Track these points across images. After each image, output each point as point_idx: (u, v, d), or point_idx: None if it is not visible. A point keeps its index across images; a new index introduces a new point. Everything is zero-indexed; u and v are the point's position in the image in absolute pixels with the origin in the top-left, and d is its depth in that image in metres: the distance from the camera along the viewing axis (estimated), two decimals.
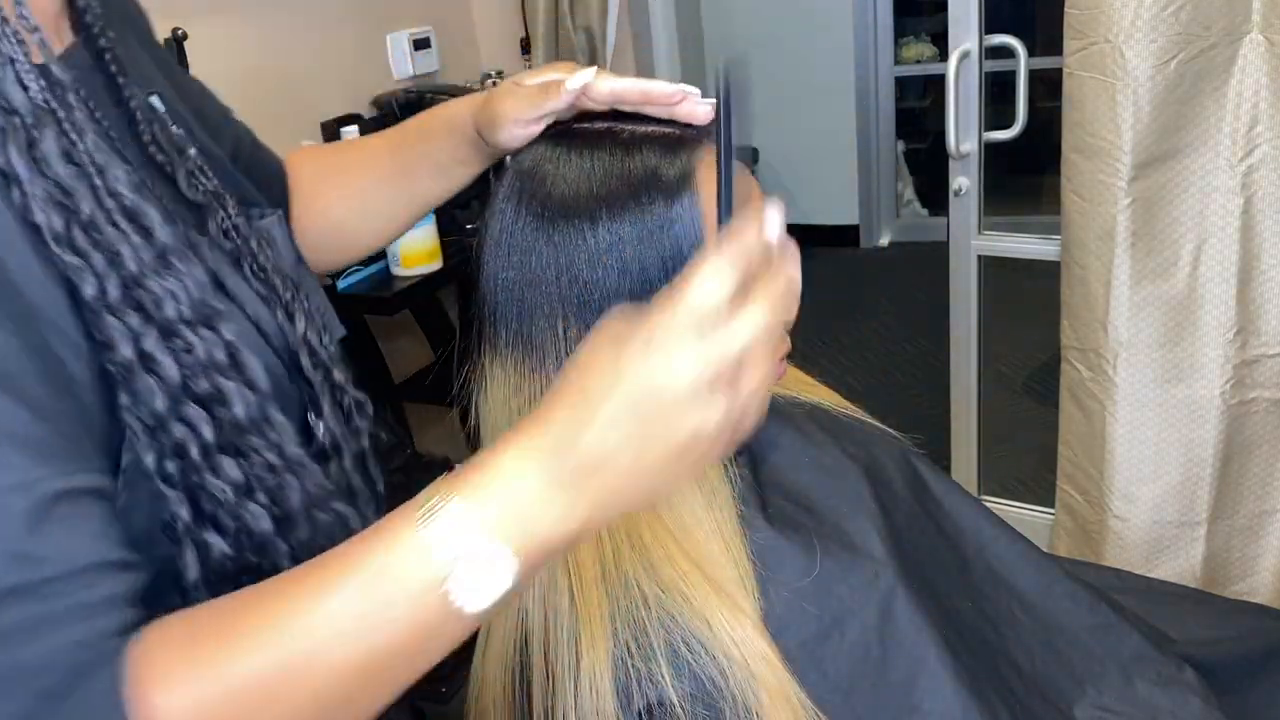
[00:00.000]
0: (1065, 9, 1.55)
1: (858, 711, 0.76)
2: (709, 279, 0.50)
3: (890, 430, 0.96)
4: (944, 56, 1.97)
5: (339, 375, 0.73)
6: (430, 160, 0.85)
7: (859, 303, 3.86)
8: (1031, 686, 0.85)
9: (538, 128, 0.79)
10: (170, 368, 0.55)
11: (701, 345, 0.49)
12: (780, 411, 0.90)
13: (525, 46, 2.75)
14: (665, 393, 0.49)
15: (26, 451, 0.48)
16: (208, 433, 0.56)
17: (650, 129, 0.79)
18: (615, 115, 0.80)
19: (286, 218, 0.80)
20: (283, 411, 0.63)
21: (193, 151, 0.69)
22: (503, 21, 2.74)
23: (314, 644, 0.48)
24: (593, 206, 0.75)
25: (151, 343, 0.55)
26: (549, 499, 0.49)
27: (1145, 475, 1.69)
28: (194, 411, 0.56)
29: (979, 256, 1.98)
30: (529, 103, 0.77)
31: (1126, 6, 1.45)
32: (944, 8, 1.85)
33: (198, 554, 0.57)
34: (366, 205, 0.92)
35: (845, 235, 4.39)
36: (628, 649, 0.72)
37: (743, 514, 0.78)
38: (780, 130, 4.15)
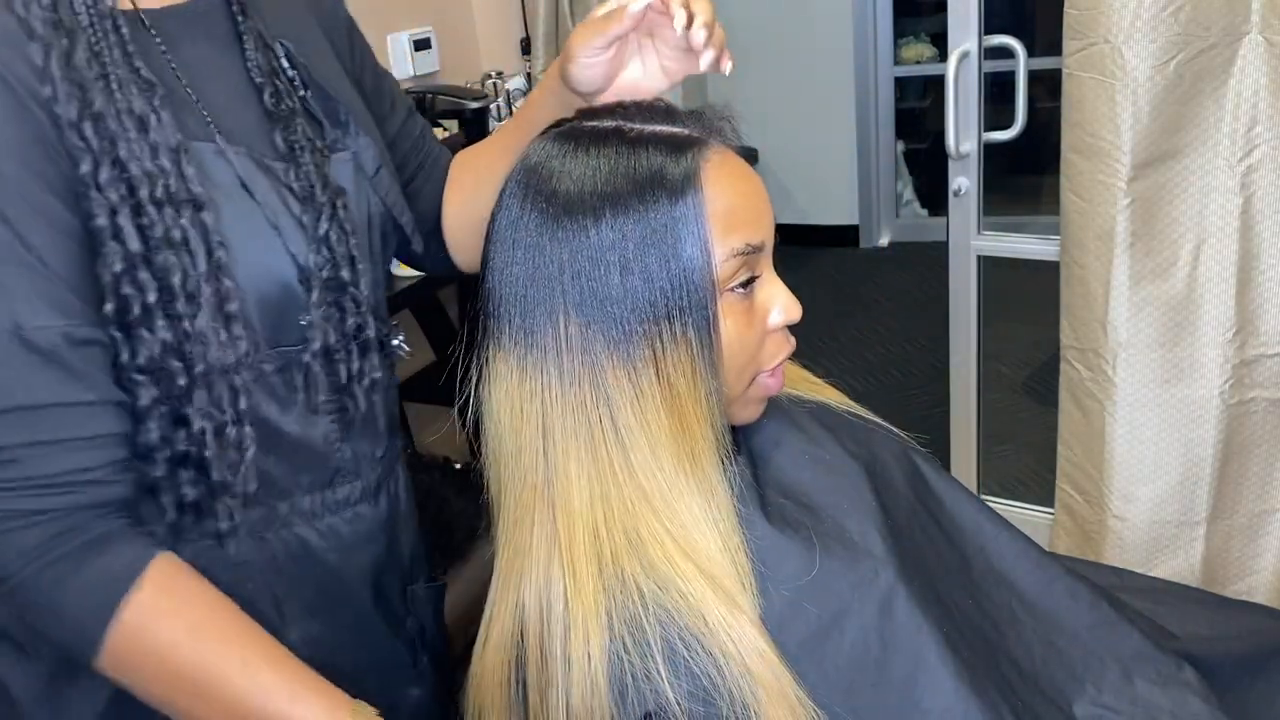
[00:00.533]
0: (1065, 9, 1.55)
1: (858, 710, 0.76)
2: None
3: (893, 429, 0.97)
4: (944, 57, 1.97)
5: (346, 274, 0.81)
6: (537, 127, 0.87)
7: (859, 303, 3.86)
8: (1032, 684, 0.86)
9: (608, 54, 0.83)
10: (132, 238, 0.68)
11: None
12: (783, 409, 0.90)
13: (526, 47, 2.76)
14: None
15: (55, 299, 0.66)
16: (150, 296, 0.69)
17: (658, 128, 0.79)
18: (624, 114, 0.80)
19: (436, 218, 0.97)
20: (287, 306, 0.77)
21: (286, 76, 0.83)
22: (503, 22, 2.74)
23: (208, 700, 0.69)
24: (596, 204, 0.75)
25: (123, 217, 0.68)
26: None
27: (1145, 475, 1.69)
28: (143, 276, 0.69)
29: (979, 256, 1.98)
30: (596, 32, 0.82)
31: (1126, 7, 1.45)
32: (944, 8, 1.85)
33: (131, 394, 0.71)
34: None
35: (845, 235, 4.39)
36: (623, 644, 0.72)
37: (741, 513, 0.79)
38: (780, 130, 4.15)
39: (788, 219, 4.42)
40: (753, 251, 0.79)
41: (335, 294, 0.80)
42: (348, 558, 0.85)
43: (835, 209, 4.37)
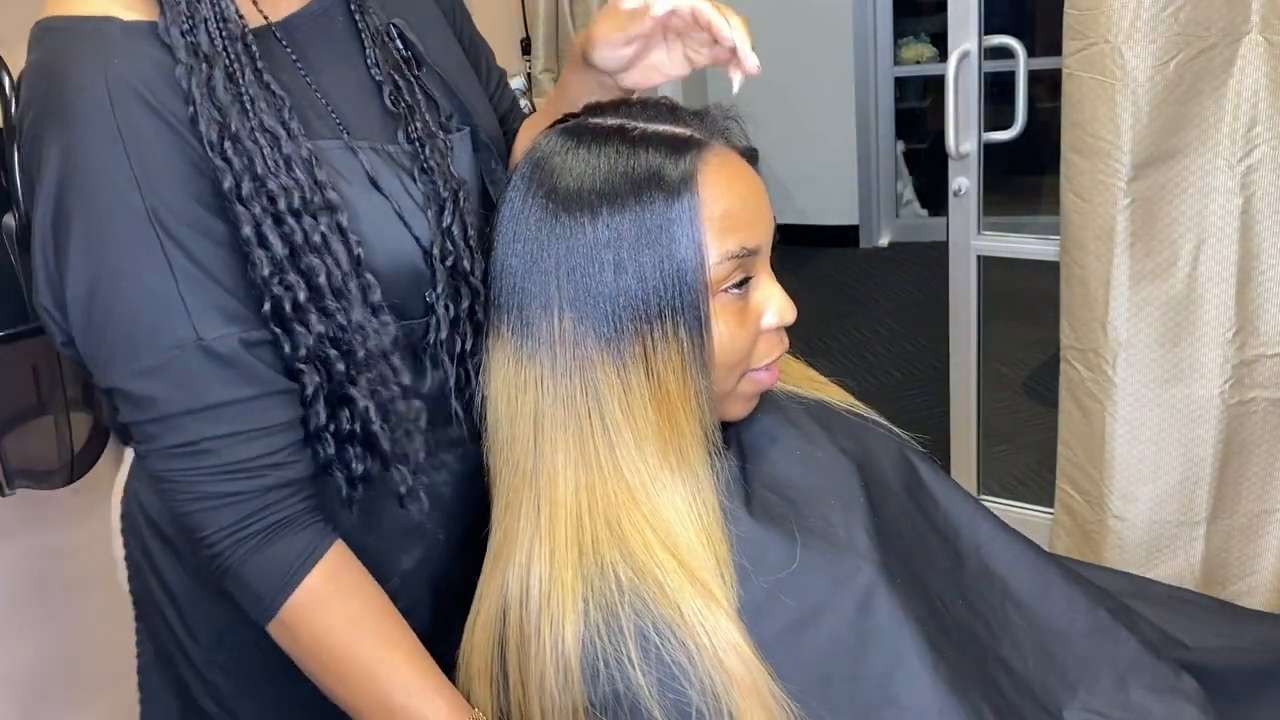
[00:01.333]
0: (1065, 9, 1.55)
1: (832, 702, 0.76)
2: None
3: (894, 428, 0.97)
4: (944, 57, 1.97)
5: (466, 264, 0.85)
6: (570, 99, 0.91)
7: (859, 303, 3.86)
8: (1022, 687, 0.85)
9: (629, 50, 0.84)
10: (276, 245, 0.75)
11: None
12: (777, 406, 0.91)
13: (526, 47, 2.76)
14: None
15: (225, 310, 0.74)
16: (301, 295, 0.76)
17: (660, 128, 0.80)
18: (628, 112, 0.81)
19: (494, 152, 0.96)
20: (414, 286, 0.83)
21: (402, 57, 0.88)
22: (503, 22, 2.74)
23: (365, 694, 0.78)
24: (594, 201, 0.76)
25: (266, 227, 0.75)
26: None
27: (1144, 475, 1.69)
28: (291, 278, 0.76)
29: (978, 256, 1.98)
30: (618, 27, 0.83)
31: (1126, 7, 1.45)
32: (944, 8, 1.85)
33: (299, 382, 0.78)
34: None
35: (845, 235, 4.39)
36: (598, 630, 0.74)
37: (725, 506, 0.80)
38: (780, 130, 4.15)
39: (788, 219, 4.42)
40: (747, 254, 0.80)
41: (457, 280, 0.86)
42: (460, 489, 0.91)
43: (835, 209, 4.37)
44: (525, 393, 0.79)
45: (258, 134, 0.75)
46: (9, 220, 1.23)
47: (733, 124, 0.85)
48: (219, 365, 0.74)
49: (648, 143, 0.78)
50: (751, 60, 0.84)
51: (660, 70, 0.88)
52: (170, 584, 0.89)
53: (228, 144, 0.74)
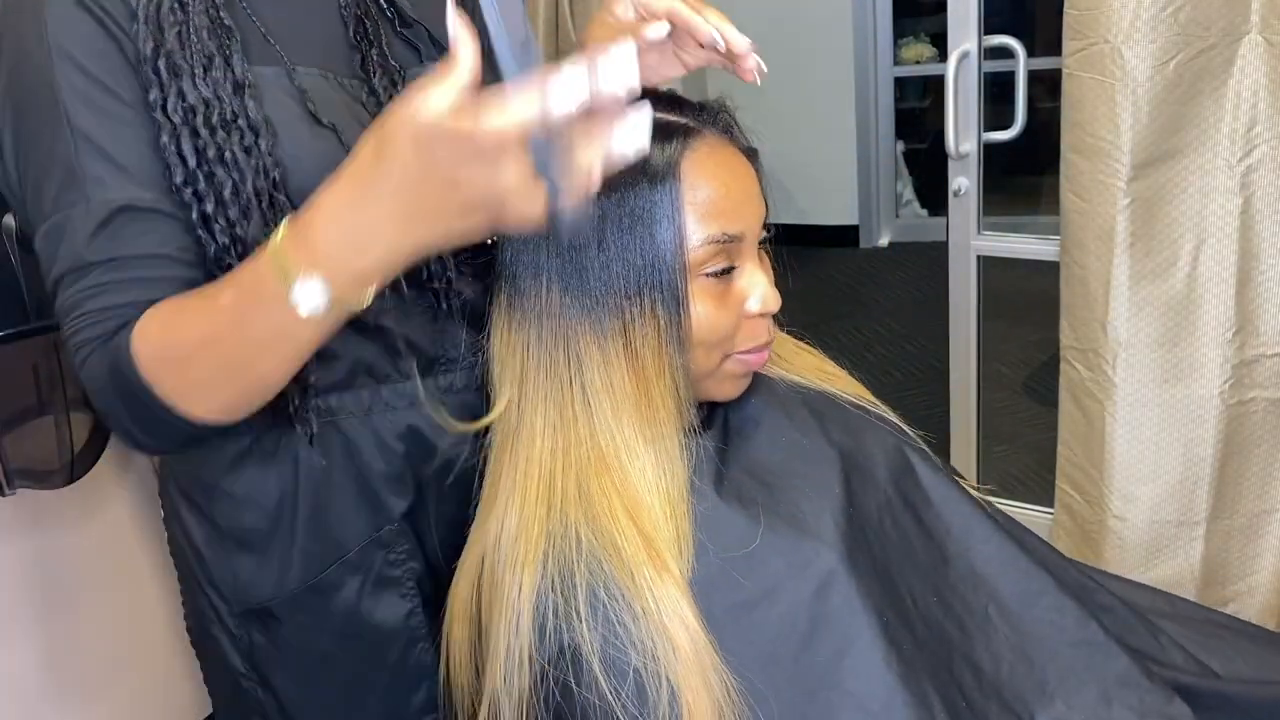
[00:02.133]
0: (1064, 9, 1.55)
1: (775, 680, 0.78)
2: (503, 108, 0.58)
3: (902, 425, 0.97)
4: (943, 57, 1.97)
5: None
6: None
7: (859, 303, 3.86)
8: (990, 689, 0.85)
9: None
10: (190, 155, 0.78)
11: (471, 140, 0.59)
12: (772, 392, 0.93)
13: None
14: (441, 152, 0.61)
15: (120, 175, 0.77)
16: (208, 206, 0.79)
17: (654, 115, 0.81)
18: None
19: None
20: None
21: (385, 13, 0.92)
22: None
23: (219, 327, 0.73)
24: None
25: (183, 137, 0.78)
26: (343, 232, 0.66)
27: (1144, 475, 1.69)
28: (202, 189, 0.79)
29: (978, 256, 1.98)
30: (608, 36, 0.85)
31: (1126, 7, 1.45)
32: (944, 8, 1.85)
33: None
34: None
35: (845, 235, 4.39)
36: (552, 584, 0.78)
37: (695, 484, 0.83)
38: (780, 130, 4.14)
39: (788, 219, 4.40)
40: (729, 240, 0.83)
41: None
42: (456, 439, 0.92)
43: (835, 209, 4.37)
44: (514, 356, 0.84)
45: (193, 55, 0.79)
46: (9, 220, 1.23)
47: (727, 116, 0.88)
48: (100, 227, 0.77)
49: None
50: (740, 42, 0.86)
51: (657, 72, 0.90)
52: (196, 541, 0.93)
53: (161, 61, 0.78)
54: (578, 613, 0.77)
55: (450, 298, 0.91)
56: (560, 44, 2.65)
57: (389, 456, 0.91)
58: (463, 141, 0.59)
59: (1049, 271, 1.80)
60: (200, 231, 0.79)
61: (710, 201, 0.81)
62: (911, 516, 0.91)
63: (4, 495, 1.34)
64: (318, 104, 0.84)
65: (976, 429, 2.11)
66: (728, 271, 0.84)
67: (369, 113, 0.87)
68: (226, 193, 0.79)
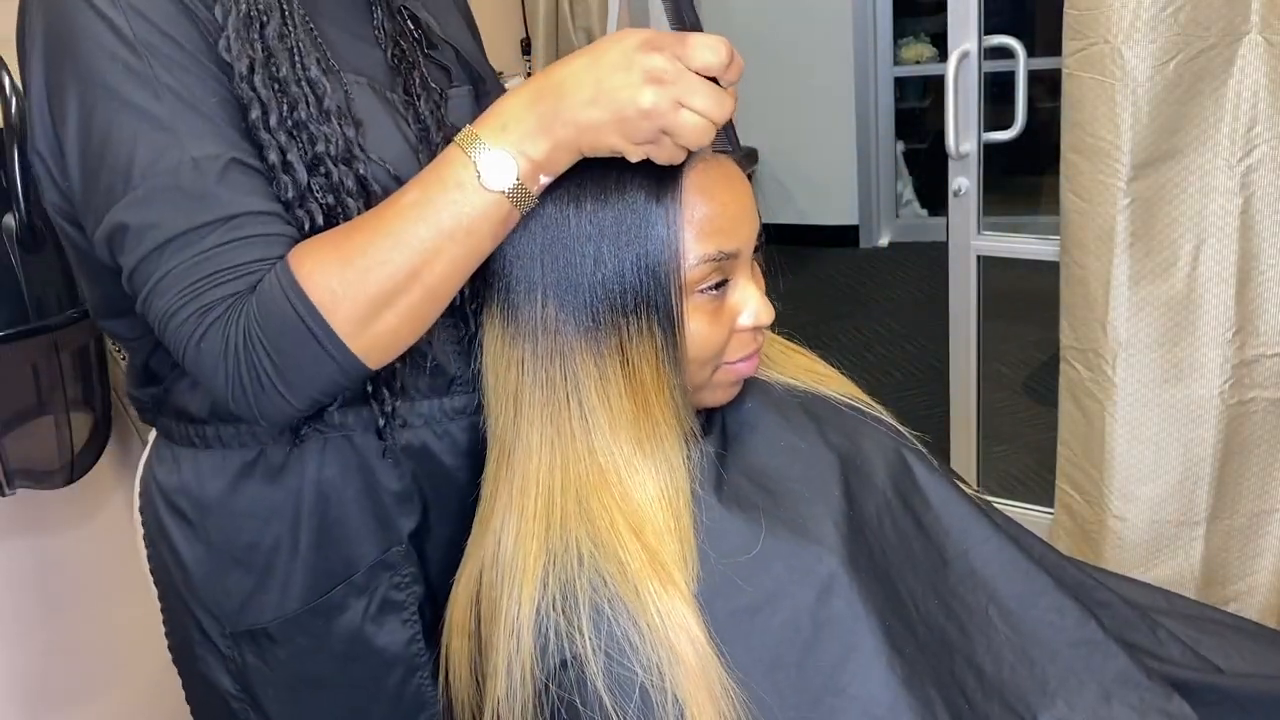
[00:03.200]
0: (1064, 9, 1.55)
1: (779, 686, 0.78)
2: (691, 38, 0.71)
3: (898, 426, 0.97)
4: (944, 57, 1.97)
5: None
6: None
7: (859, 303, 3.86)
8: (991, 690, 0.86)
9: None
10: (298, 167, 0.78)
11: (652, 54, 0.71)
12: (768, 395, 0.92)
13: (526, 47, 2.76)
14: (617, 63, 0.71)
15: (217, 131, 0.75)
16: (319, 220, 0.79)
17: None
18: None
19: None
20: None
21: (412, 38, 0.94)
22: (504, 22, 2.75)
23: (402, 225, 0.73)
24: (579, 194, 0.78)
25: (292, 156, 0.78)
26: (526, 118, 0.73)
27: (1144, 475, 1.69)
28: (312, 207, 0.79)
29: (978, 256, 1.98)
30: None
31: (1126, 7, 1.45)
32: (944, 8, 1.85)
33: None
34: None
35: (845, 235, 4.39)
36: (553, 602, 0.77)
37: (696, 492, 0.82)
38: (780, 130, 4.15)
39: (788, 219, 4.42)
40: (725, 258, 0.82)
41: None
42: (463, 462, 0.92)
43: (835, 209, 4.37)
44: (509, 371, 0.83)
45: (304, 84, 0.80)
46: (9, 220, 1.23)
47: (725, 130, 0.86)
48: (214, 182, 0.74)
49: None
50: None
51: None
52: (184, 558, 0.90)
53: (258, 76, 0.77)
54: (580, 630, 0.76)
55: (478, 320, 0.89)
56: (560, 44, 2.65)
57: (400, 474, 0.90)
58: (667, 36, 0.71)
59: (1049, 271, 1.80)
60: (301, 206, 0.78)
61: (707, 219, 0.80)
62: (910, 519, 0.91)
63: (4, 495, 1.34)
64: (362, 111, 0.84)
65: (976, 429, 2.11)
66: (721, 285, 0.83)
67: (411, 128, 0.88)
68: (328, 160, 0.80)
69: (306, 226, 0.78)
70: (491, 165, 0.72)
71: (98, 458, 1.46)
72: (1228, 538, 1.70)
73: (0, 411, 1.32)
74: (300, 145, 0.78)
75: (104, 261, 0.78)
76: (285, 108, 0.78)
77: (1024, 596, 0.91)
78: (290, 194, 0.77)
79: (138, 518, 0.96)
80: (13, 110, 1.13)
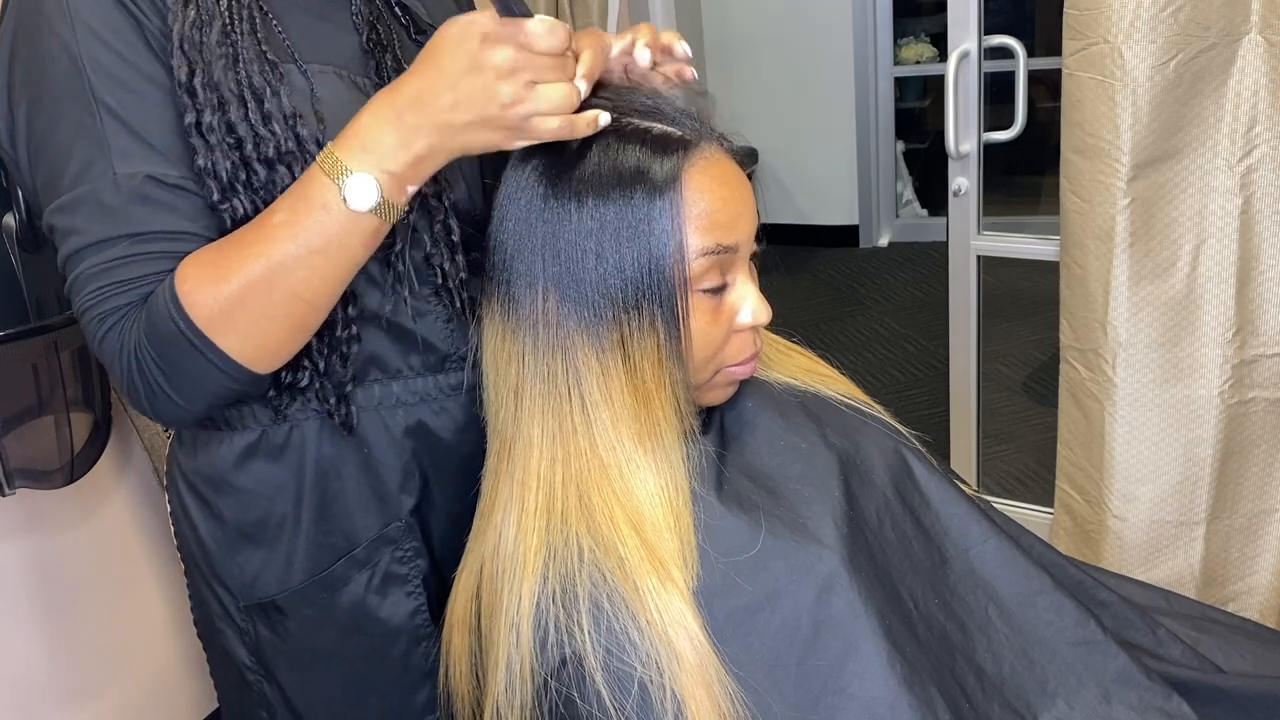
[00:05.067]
0: (1064, 9, 1.55)
1: (780, 685, 0.78)
2: (528, 26, 0.73)
3: (897, 425, 0.97)
4: (943, 57, 1.97)
5: (428, 187, 0.88)
6: None
7: (859, 303, 3.86)
8: (992, 690, 0.86)
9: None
10: (222, 169, 0.80)
11: (496, 49, 0.73)
12: (767, 395, 0.93)
13: None
14: (466, 67, 0.73)
15: (146, 150, 0.78)
16: (244, 210, 0.81)
17: (651, 125, 0.81)
18: (628, 105, 0.83)
19: None
20: None
21: (400, 21, 0.95)
22: None
23: (272, 245, 0.75)
24: (581, 189, 0.79)
25: (218, 158, 0.80)
26: (386, 137, 0.75)
27: (1144, 475, 1.69)
28: (237, 203, 0.81)
29: (978, 256, 1.98)
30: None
31: (1125, 7, 1.45)
32: (944, 8, 1.85)
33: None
34: None
35: (845, 235, 4.39)
36: (553, 596, 0.77)
37: (696, 491, 0.82)
38: (780, 130, 4.15)
39: (788, 219, 4.42)
40: (724, 252, 0.82)
41: (422, 198, 0.89)
42: (462, 436, 0.94)
43: (835, 209, 4.37)
44: (509, 365, 0.83)
45: (241, 84, 0.81)
46: (9, 220, 1.23)
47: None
48: (128, 201, 0.78)
49: (639, 138, 0.80)
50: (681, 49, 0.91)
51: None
52: (202, 535, 0.94)
53: (187, 44, 0.79)
54: (580, 624, 0.76)
55: (463, 296, 0.92)
56: None
57: (399, 451, 0.92)
58: (505, 28, 0.73)
59: (1049, 271, 1.80)
60: (226, 202, 0.80)
61: (707, 214, 0.81)
62: (910, 518, 0.91)
63: (4, 495, 1.34)
64: (326, 101, 0.85)
65: (976, 429, 2.11)
66: (720, 290, 0.83)
67: None
68: (256, 161, 0.81)
69: (216, 188, 0.80)
70: (355, 187, 0.74)
71: (98, 458, 1.46)
72: (1228, 538, 1.70)
73: (0, 411, 1.32)
74: (225, 148, 0.80)
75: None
76: (218, 111, 0.80)
77: (1023, 596, 0.91)
78: (215, 197, 0.80)
79: (158, 500, 0.99)
80: None
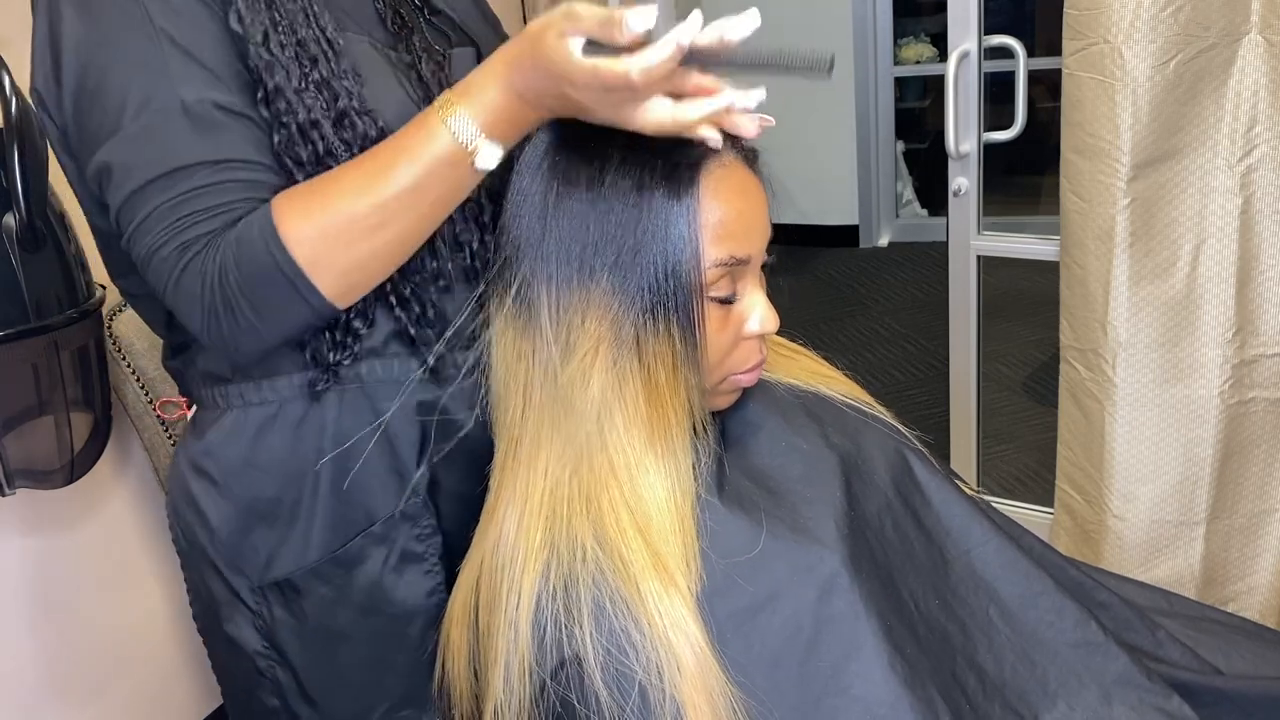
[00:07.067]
0: (1064, 9, 1.55)
1: (781, 686, 0.78)
2: (645, 55, 0.72)
3: (899, 426, 0.97)
4: (944, 57, 1.97)
5: None
6: None
7: (859, 303, 3.86)
8: (993, 691, 0.86)
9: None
10: (327, 131, 0.82)
11: (601, 70, 0.72)
12: (769, 396, 0.93)
13: None
14: (597, 104, 0.74)
15: (211, 78, 0.79)
16: (315, 152, 0.82)
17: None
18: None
19: None
20: None
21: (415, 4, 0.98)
22: (504, 22, 2.74)
23: (390, 199, 0.77)
24: (596, 190, 0.78)
25: (318, 114, 0.82)
26: (490, 86, 0.77)
27: (1144, 475, 1.69)
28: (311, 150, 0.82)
29: (978, 256, 1.98)
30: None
31: (1125, 7, 1.45)
32: (944, 8, 1.85)
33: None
34: None
35: (845, 235, 4.39)
36: (554, 595, 0.77)
37: (700, 495, 0.82)
38: (780, 130, 4.14)
39: (788, 219, 4.35)
40: (737, 264, 0.82)
41: None
42: (471, 414, 0.92)
43: (835, 209, 4.37)
44: (519, 363, 0.83)
45: (320, 41, 0.83)
46: (9, 220, 1.23)
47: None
48: (198, 127, 0.78)
49: (656, 143, 0.78)
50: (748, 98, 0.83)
51: None
52: (210, 520, 0.93)
53: (273, 40, 0.81)
54: (580, 624, 0.76)
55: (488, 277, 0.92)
56: None
57: (415, 427, 0.92)
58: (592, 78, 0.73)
59: (1049, 271, 1.80)
60: (292, 140, 0.81)
61: (722, 224, 0.80)
62: (911, 519, 0.91)
63: (4, 495, 1.34)
64: (366, 66, 0.87)
65: (976, 429, 2.11)
66: (729, 301, 0.83)
67: (413, 87, 0.91)
68: (318, 110, 0.82)
69: (299, 176, 0.81)
70: (486, 153, 0.77)
71: (98, 458, 1.46)
72: (1227, 538, 1.70)
73: (0, 411, 1.32)
74: (324, 103, 0.82)
75: (95, 197, 0.82)
76: (306, 67, 0.82)
77: (1024, 597, 0.91)
78: (320, 149, 0.81)
79: (158, 500, 0.99)
80: (13, 110, 1.13)
